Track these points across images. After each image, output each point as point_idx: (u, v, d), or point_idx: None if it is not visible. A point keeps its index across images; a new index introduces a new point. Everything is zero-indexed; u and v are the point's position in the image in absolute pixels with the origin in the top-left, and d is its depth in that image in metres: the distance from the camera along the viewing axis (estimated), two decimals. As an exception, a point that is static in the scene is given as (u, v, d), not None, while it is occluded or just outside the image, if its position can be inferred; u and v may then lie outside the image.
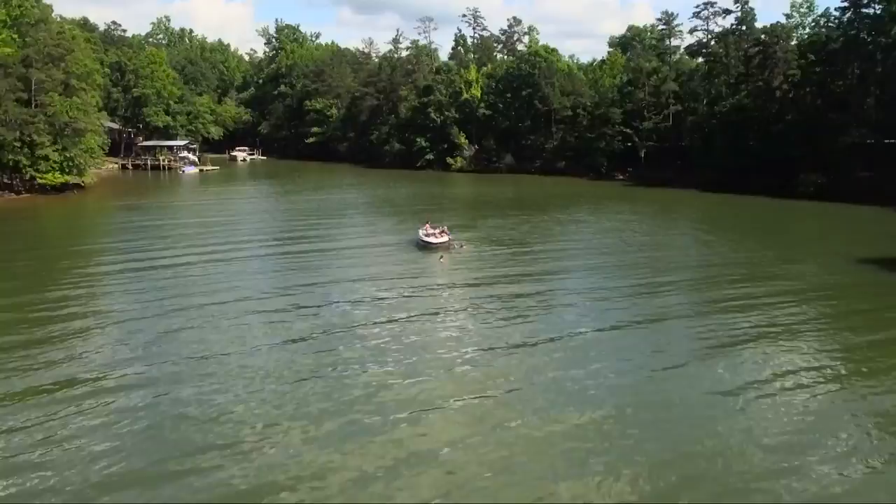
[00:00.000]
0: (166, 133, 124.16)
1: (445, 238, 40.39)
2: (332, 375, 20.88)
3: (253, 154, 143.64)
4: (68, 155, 70.72)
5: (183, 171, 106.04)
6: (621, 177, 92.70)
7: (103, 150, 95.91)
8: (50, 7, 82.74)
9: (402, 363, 21.87)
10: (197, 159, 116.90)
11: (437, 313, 27.68)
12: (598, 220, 56.55)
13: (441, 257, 37.14)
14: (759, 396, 19.62)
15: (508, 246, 42.85)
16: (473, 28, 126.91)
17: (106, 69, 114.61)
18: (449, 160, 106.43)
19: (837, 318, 27.80)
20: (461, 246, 40.62)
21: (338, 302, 29.03)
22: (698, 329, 25.45)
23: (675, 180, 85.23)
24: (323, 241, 44.41)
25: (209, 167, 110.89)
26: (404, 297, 29.98)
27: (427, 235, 40.52)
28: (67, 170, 71.57)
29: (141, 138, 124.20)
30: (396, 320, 26.32)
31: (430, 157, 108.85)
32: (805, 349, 23.54)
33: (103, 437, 16.83)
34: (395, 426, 17.54)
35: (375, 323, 26.00)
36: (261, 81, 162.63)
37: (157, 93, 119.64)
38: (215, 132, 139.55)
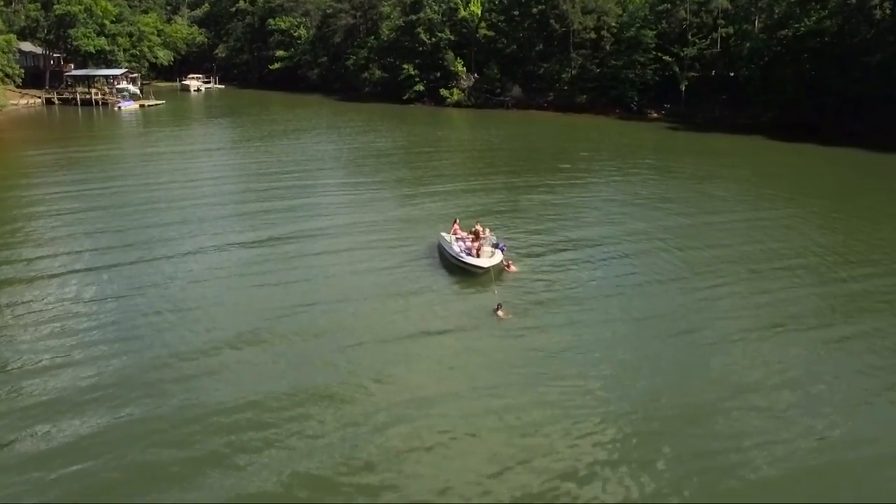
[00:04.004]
0: (104, 59, 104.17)
1: (498, 256, 24.22)
2: None
3: (209, 82, 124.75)
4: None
5: (119, 107, 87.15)
6: (655, 115, 76.42)
7: (14, 81, 77.75)
8: None
9: None
10: (139, 91, 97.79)
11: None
12: (678, 190, 40.38)
13: (497, 308, 20.88)
14: None
15: (577, 257, 26.68)
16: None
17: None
18: (443, 92, 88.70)
19: None
20: (507, 266, 24.50)
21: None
22: None
23: (725, 120, 69.91)
24: (294, 244, 27.96)
25: (152, 101, 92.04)
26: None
27: (468, 252, 24.26)
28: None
29: (72, 66, 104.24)
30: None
31: (419, 88, 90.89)
32: None
33: None
34: None
35: None
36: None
37: (85, 10, 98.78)
38: (164, 57, 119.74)
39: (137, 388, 16.38)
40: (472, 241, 24.86)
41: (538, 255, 26.70)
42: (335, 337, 19.39)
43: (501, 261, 24.11)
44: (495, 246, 24.62)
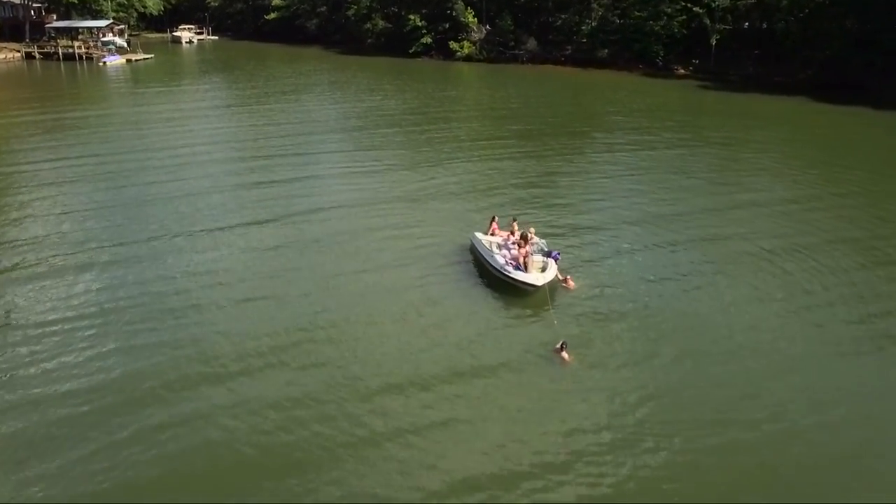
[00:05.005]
0: (89, 9, 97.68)
1: (552, 269, 19.46)
2: None
3: (201, 34, 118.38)
4: None
5: (104, 63, 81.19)
6: (682, 71, 70.87)
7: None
8: None
9: None
10: (126, 44, 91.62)
11: None
12: (736, 162, 35.51)
13: (562, 347, 16.12)
14: None
15: (643, 254, 21.97)
16: None
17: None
18: (452, 45, 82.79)
19: None
20: (564, 281, 19.74)
21: None
22: None
23: (759, 78, 64.72)
24: (298, 234, 23.19)
25: (140, 56, 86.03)
26: None
27: (514, 264, 19.50)
28: None
29: (54, 17, 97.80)
30: None
31: (427, 40, 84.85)
32: None
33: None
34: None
35: None
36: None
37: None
38: (153, 6, 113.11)
39: (125, 445, 11.88)
40: (519, 247, 20.09)
41: (595, 252, 22.09)
42: (355, 374, 14.91)
43: (556, 275, 19.40)
44: (547, 254, 19.87)
